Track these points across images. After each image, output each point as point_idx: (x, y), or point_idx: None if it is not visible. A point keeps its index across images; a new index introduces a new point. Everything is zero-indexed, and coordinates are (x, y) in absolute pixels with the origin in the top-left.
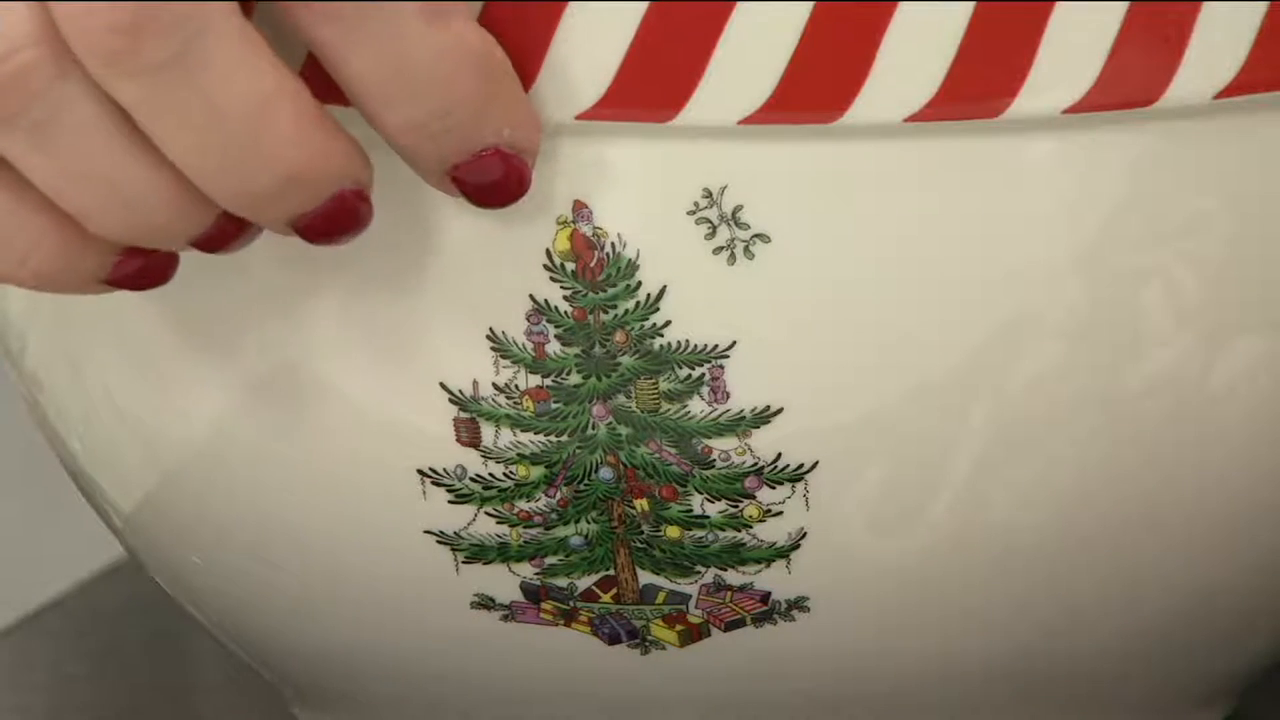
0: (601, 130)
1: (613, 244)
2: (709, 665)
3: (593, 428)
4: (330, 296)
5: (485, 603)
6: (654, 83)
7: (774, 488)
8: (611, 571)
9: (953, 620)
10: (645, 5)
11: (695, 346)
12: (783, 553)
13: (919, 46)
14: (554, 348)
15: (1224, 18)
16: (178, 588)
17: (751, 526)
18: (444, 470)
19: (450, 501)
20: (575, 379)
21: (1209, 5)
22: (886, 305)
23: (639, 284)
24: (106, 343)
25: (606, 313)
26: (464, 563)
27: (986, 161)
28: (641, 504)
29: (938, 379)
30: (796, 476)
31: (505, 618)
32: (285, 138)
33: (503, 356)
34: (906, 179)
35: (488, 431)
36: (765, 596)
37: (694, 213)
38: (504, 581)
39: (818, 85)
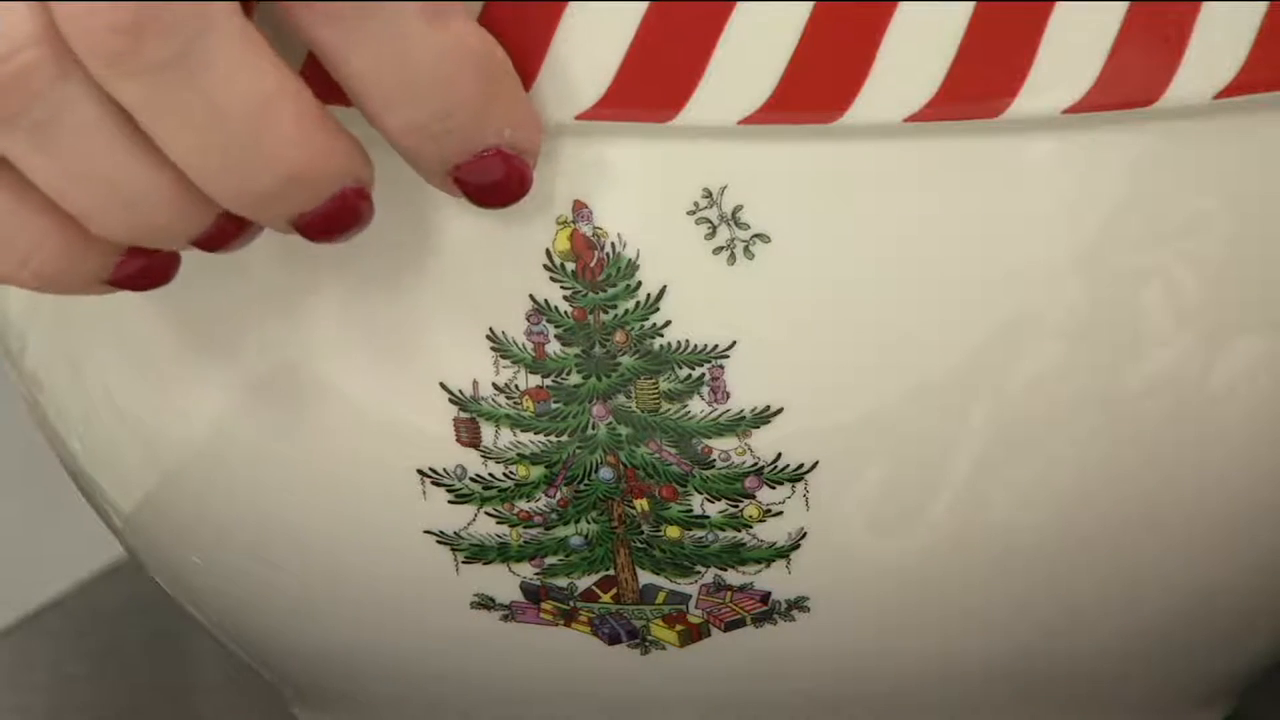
0: (601, 130)
1: (613, 244)
2: (709, 665)
3: (593, 428)
4: (330, 296)
5: (485, 603)
6: (654, 83)
7: (774, 488)
8: (611, 571)
9: (953, 620)
10: (645, 5)
11: (695, 346)
12: (783, 553)
13: (919, 46)
14: (554, 348)
15: (1224, 18)
16: (178, 588)
17: (751, 526)
18: (444, 470)
19: (450, 501)
20: (575, 379)
21: (1209, 5)
22: (886, 305)
23: (639, 284)
24: (106, 343)
25: (606, 313)
26: (464, 563)
27: (986, 161)
28: (641, 504)
29: (938, 379)
30: (796, 476)
31: (505, 618)
32: (287, 138)
33: (503, 356)
34: (906, 179)
35: (488, 431)
36: (765, 596)
37: (694, 213)
38: (504, 581)
39: (818, 85)
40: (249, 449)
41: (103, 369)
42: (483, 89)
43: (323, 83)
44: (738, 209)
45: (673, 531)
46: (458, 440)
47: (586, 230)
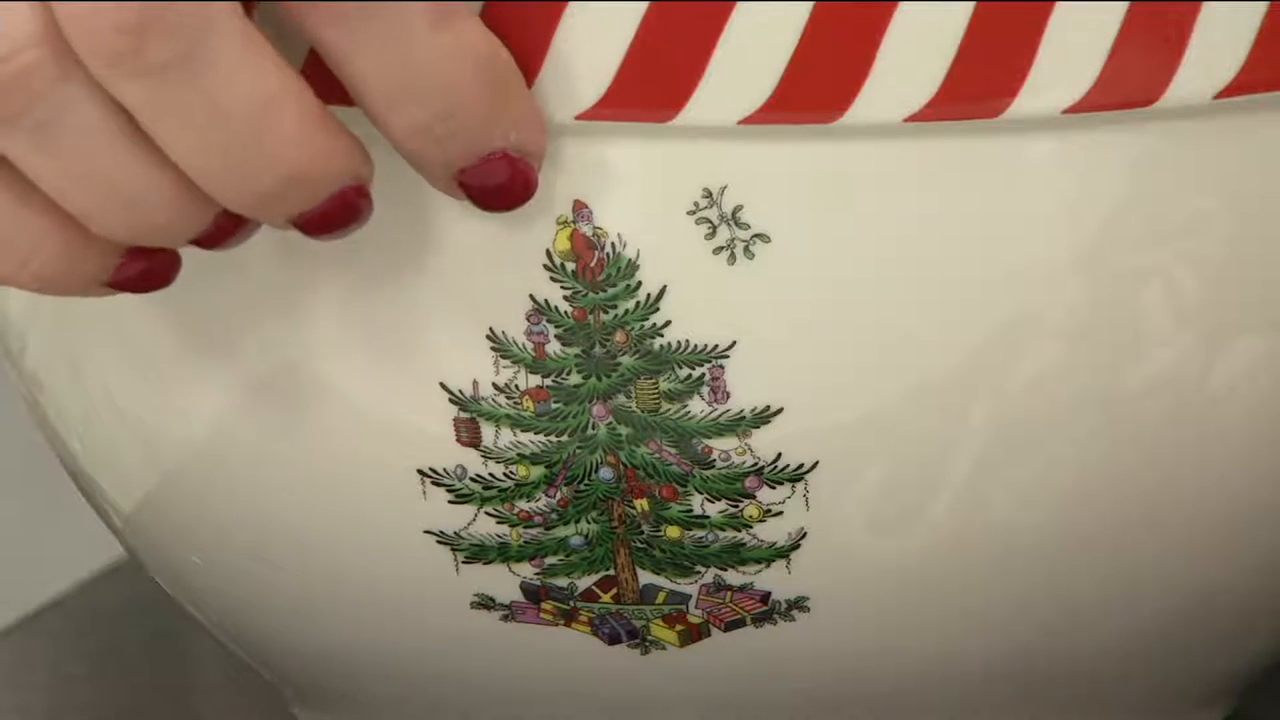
0: (602, 130)
1: (613, 244)
2: (709, 665)
3: (593, 428)
4: (330, 296)
5: (485, 603)
6: (654, 83)
7: (774, 488)
8: (611, 571)
9: (953, 620)
10: (645, 5)
11: (695, 346)
12: (783, 553)
13: (919, 46)
14: (554, 348)
15: (1224, 18)
16: (178, 588)
17: (751, 526)
18: (444, 470)
19: (450, 501)
20: (575, 379)
21: (1209, 5)
22: (886, 305)
23: (639, 284)
24: (106, 342)
25: (606, 313)
26: (464, 563)
27: (986, 161)
28: (641, 504)
29: (938, 379)
30: (796, 476)
31: (505, 618)
32: (288, 138)
33: (503, 356)
34: (906, 179)
35: (488, 431)
36: (765, 596)
37: (694, 213)
38: (504, 581)
39: (818, 85)
40: (249, 449)
41: (103, 369)
42: (488, 91)
43: (323, 82)
44: (738, 209)
45: (673, 531)
46: (458, 440)
47: (587, 230)
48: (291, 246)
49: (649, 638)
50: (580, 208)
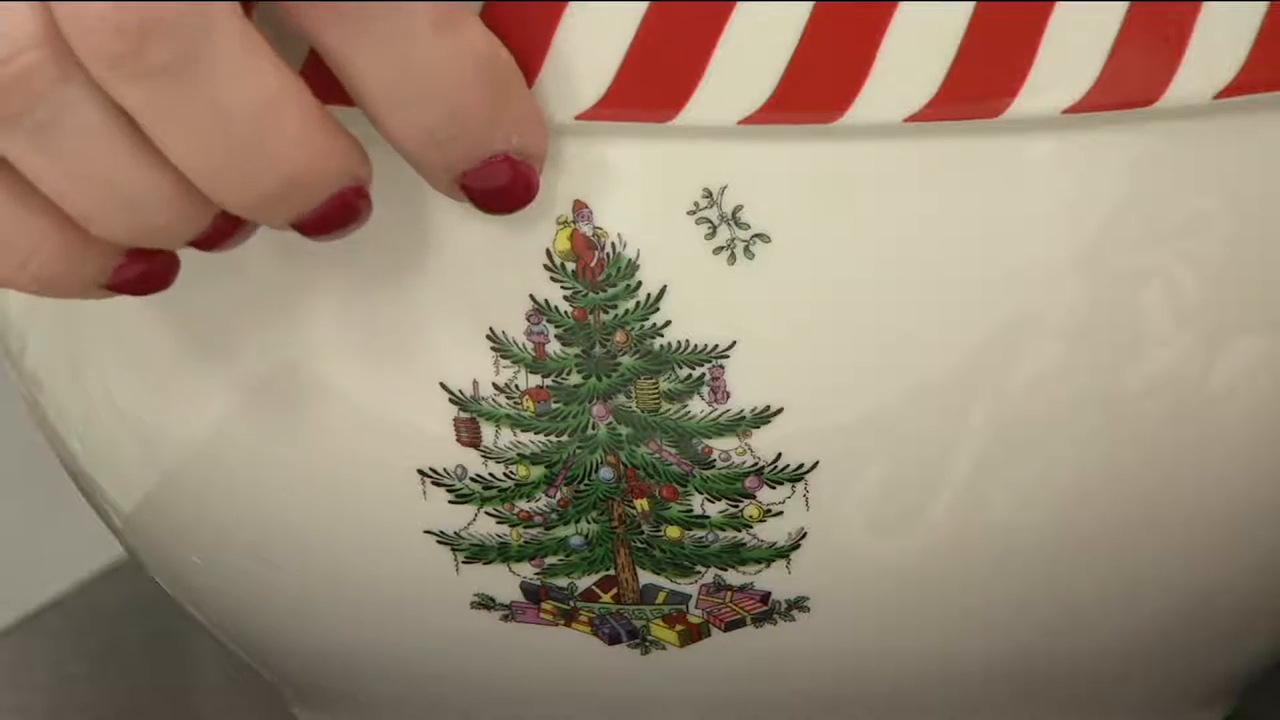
0: (602, 130)
1: (613, 244)
2: (709, 665)
3: (593, 428)
4: (330, 296)
5: (485, 603)
6: (654, 83)
7: (774, 488)
8: (612, 571)
9: (953, 620)
10: (645, 5)
11: (695, 346)
12: (783, 553)
13: (919, 46)
14: (554, 348)
15: (1224, 18)
16: (178, 588)
17: (751, 526)
18: (444, 470)
19: (450, 501)
20: (575, 379)
21: (1209, 5)
22: (886, 305)
23: (639, 284)
24: (107, 342)
25: (607, 313)
26: (464, 563)
27: (986, 161)
28: (641, 504)
29: (938, 379)
30: (796, 476)
31: (505, 618)
32: (289, 139)
33: (503, 356)
34: (906, 179)
35: (488, 431)
36: (765, 596)
37: (694, 213)
38: (504, 581)
39: (818, 85)
40: (249, 449)
41: (103, 369)
42: (490, 95)
43: (322, 81)
44: (738, 209)
45: (673, 531)
46: (458, 440)
47: (587, 230)
48: (292, 246)
49: (649, 638)
50: (580, 208)
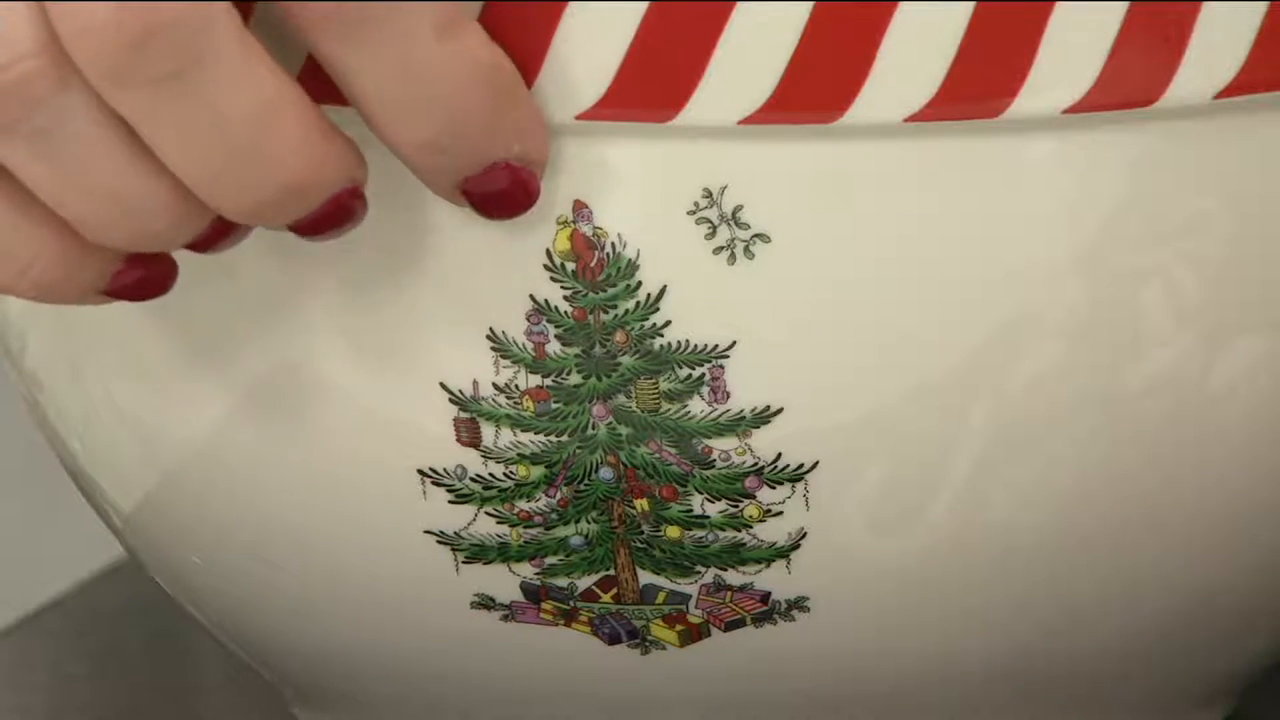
0: (602, 130)
1: (613, 244)
2: (709, 665)
3: (593, 428)
4: (330, 297)
5: (485, 603)
6: (654, 83)
7: (774, 488)
8: (612, 571)
9: (953, 620)
10: (645, 5)
11: (695, 346)
12: (783, 553)
13: (919, 46)
14: (554, 348)
15: (1224, 18)
16: (178, 588)
17: (751, 526)
18: (444, 470)
19: (450, 501)
20: (575, 379)
21: (1209, 5)
22: (886, 305)
23: (639, 284)
24: (107, 343)
25: (606, 313)
26: (464, 563)
27: (986, 161)
28: (641, 504)
29: (938, 379)
30: (796, 476)
31: (505, 618)
32: (287, 145)
33: (503, 356)
34: (906, 179)
35: (488, 431)
36: (765, 596)
37: (694, 213)
38: (504, 581)
39: (818, 85)
40: (249, 449)
41: (103, 369)
42: (492, 103)
43: (319, 84)
44: (738, 209)
45: (673, 531)
46: (458, 440)
47: (586, 230)
48: (292, 247)
49: (649, 638)
50: (580, 208)
